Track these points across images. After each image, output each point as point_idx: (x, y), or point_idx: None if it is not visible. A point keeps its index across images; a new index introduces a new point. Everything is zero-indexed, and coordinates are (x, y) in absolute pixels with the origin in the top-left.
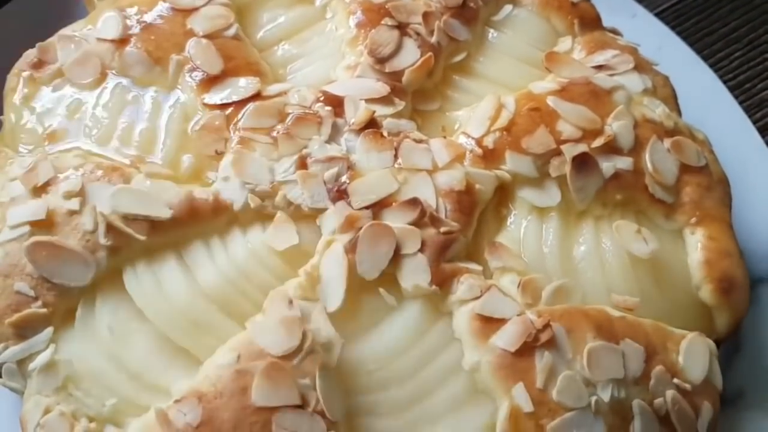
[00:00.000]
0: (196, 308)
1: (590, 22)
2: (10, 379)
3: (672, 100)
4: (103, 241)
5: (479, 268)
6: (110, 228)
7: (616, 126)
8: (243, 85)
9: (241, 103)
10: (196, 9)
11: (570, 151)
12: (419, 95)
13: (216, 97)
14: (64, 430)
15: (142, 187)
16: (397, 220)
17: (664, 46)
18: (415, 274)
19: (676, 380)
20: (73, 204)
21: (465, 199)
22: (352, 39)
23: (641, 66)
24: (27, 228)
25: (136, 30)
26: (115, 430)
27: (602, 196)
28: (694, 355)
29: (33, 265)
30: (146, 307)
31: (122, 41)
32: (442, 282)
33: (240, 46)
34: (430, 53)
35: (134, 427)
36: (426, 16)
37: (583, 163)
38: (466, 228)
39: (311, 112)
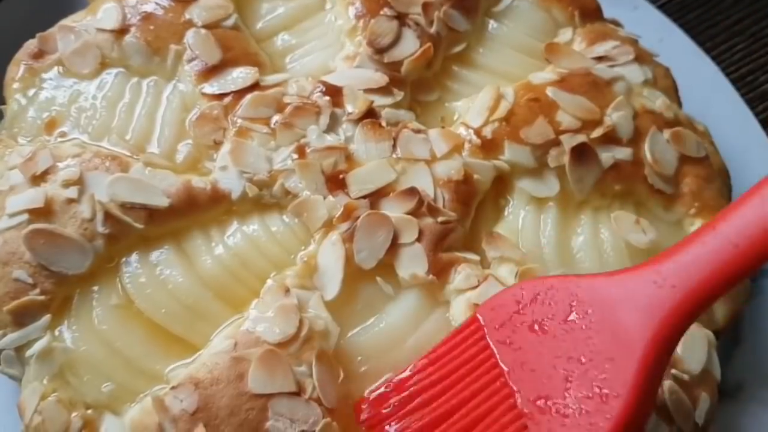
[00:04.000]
0: (194, 295)
1: (590, 13)
2: (8, 366)
3: (672, 91)
4: (101, 229)
5: (477, 257)
6: (108, 216)
7: (616, 116)
8: (241, 76)
9: (240, 93)
10: None
11: (569, 141)
12: (418, 85)
13: (214, 87)
14: (62, 417)
15: (141, 176)
16: (394, 210)
17: (666, 38)
18: (413, 263)
19: (674, 370)
20: (72, 192)
21: (463, 188)
22: (351, 29)
23: (641, 57)
24: (25, 216)
25: (135, 20)
26: (113, 416)
27: (601, 187)
28: (692, 345)
29: (31, 252)
30: (139, 296)
31: (121, 31)
32: (440, 271)
33: (239, 36)
34: (429, 44)
35: (131, 413)
36: (425, 6)
37: (581, 153)
38: (463, 218)
39: (310, 102)
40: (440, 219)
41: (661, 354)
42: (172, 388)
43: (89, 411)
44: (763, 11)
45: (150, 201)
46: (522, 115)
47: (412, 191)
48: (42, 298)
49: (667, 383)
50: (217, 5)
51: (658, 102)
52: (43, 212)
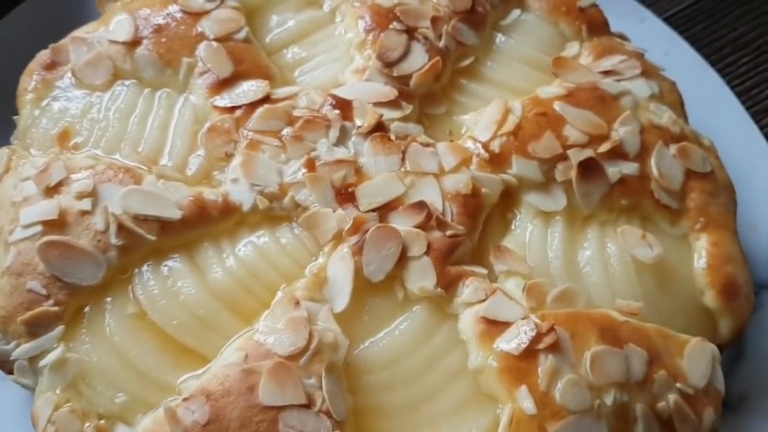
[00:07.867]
0: (205, 307)
1: (598, 27)
2: (21, 375)
3: (679, 105)
4: (114, 241)
5: (484, 271)
6: (121, 228)
7: (623, 131)
8: (252, 88)
9: (251, 106)
10: (206, 12)
11: (576, 156)
12: (427, 99)
13: (226, 99)
14: (75, 427)
15: (153, 188)
16: (403, 223)
17: (672, 51)
18: (421, 276)
19: (678, 384)
20: (85, 204)
21: (471, 202)
22: (360, 43)
23: (648, 71)
24: (39, 227)
25: (147, 32)
26: (125, 427)
27: (608, 201)
28: (697, 359)
29: (45, 264)
30: (151, 308)
31: (134, 43)
32: (448, 285)
33: (250, 49)
34: (437, 57)
35: (143, 424)
36: (434, 20)
37: (589, 168)
38: (471, 231)
39: (320, 115)
40: (448, 232)
41: None
42: (184, 399)
43: (102, 421)
44: None
45: (163, 213)
46: (530, 129)
47: (420, 205)
48: (55, 309)
49: (672, 397)
50: (228, 18)
51: (665, 117)
52: (57, 224)
